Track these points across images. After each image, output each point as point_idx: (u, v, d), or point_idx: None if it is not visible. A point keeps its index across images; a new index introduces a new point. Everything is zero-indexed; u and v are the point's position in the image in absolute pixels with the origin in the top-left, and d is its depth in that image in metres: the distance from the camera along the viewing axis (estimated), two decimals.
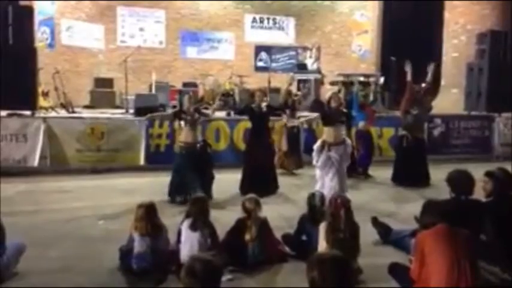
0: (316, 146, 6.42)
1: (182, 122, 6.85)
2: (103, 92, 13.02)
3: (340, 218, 4.26)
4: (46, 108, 10.24)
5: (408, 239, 4.62)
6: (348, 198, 4.62)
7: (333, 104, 6.48)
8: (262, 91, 7.81)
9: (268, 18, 16.48)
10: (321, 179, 6.36)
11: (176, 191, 6.72)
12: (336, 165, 6.28)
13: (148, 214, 4.40)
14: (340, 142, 6.37)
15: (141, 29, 15.27)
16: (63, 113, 10.17)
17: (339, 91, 9.11)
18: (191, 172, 6.56)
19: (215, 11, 15.86)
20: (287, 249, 4.86)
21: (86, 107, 12.29)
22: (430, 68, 8.12)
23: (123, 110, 10.68)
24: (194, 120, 6.83)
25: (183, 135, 6.89)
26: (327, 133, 6.42)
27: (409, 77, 7.97)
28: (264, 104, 7.37)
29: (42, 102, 10.13)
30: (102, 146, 8.78)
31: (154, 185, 7.56)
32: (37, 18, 11.44)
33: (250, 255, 4.48)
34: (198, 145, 6.82)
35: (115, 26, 14.95)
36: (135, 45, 13.11)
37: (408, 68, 7.96)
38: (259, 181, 6.98)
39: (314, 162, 6.43)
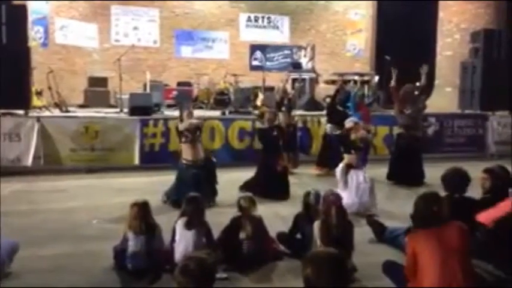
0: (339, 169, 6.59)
1: (183, 139, 6.71)
2: (97, 91, 12.96)
3: (332, 216, 4.26)
4: (40, 108, 10.19)
5: (402, 237, 4.62)
6: (341, 195, 4.62)
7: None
8: (273, 113, 7.75)
9: (263, 17, 16.47)
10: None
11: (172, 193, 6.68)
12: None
13: (142, 213, 4.40)
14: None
15: (135, 28, 15.20)
16: (57, 112, 10.12)
17: (339, 89, 9.12)
18: (191, 188, 6.50)
19: (210, 10, 15.83)
20: (282, 247, 4.87)
21: (80, 106, 12.23)
22: (424, 70, 8.16)
23: (118, 109, 10.64)
24: (194, 139, 6.71)
25: (184, 152, 6.74)
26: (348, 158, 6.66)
27: (392, 83, 8.18)
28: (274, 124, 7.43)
29: (35, 101, 10.08)
30: (96, 145, 8.74)
31: (149, 185, 7.55)
32: (30, 17, 11.37)
33: (245, 254, 4.48)
34: (200, 162, 6.71)
35: (109, 24, 14.89)
36: (129, 44, 13.06)
37: (393, 74, 8.15)
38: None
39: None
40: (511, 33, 12.15)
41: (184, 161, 6.71)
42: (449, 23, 14.89)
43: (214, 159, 7.02)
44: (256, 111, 7.84)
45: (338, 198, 4.47)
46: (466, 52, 12.55)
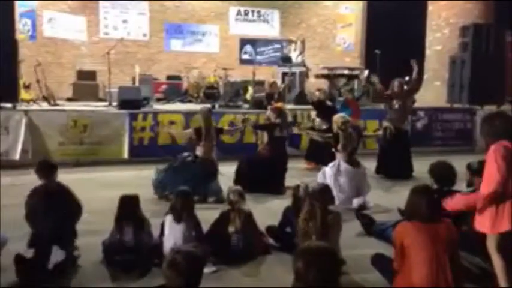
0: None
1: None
2: (86, 84, 12.86)
3: (315, 208, 4.23)
4: (28, 101, 10.09)
5: (391, 231, 4.63)
6: (327, 188, 4.60)
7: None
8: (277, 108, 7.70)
9: (252, 11, 16.42)
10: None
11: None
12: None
13: (131, 206, 4.39)
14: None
15: (125, 21, 15.07)
16: (45, 105, 10.03)
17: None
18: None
19: (199, 4, 15.74)
20: (271, 241, 4.88)
21: (69, 99, 12.14)
22: (414, 66, 8.17)
23: (106, 103, 10.58)
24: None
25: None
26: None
27: (378, 86, 8.38)
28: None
29: (23, 95, 9.99)
30: (84, 139, 8.70)
31: (138, 179, 7.50)
32: (18, 10, 11.24)
33: (234, 247, 4.49)
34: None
35: (98, 17, 14.77)
36: (119, 38, 12.96)
37: (376, 79, 8.36)
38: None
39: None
40: (499, 27, 12.22)
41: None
42: (438, 17, 14.92)
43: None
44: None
45: (324, 192, 4.42)
46: (455, 46, 12.59)
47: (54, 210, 4.22)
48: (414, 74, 8.20)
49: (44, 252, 4.00)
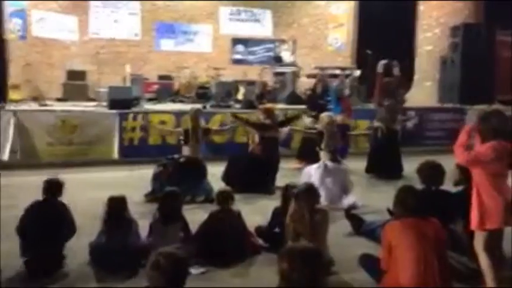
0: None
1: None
2: (76, 84, 12.76)
3: (303, 208, 4.22)
4: (16, 101, 10.02)
5: (380, 230, 4.64)
6: (315, 189, 4.58)
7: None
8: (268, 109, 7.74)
9: (245, 11, 16.39)
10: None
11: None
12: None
13: (119, 208, 4.36)
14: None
15: (116, 21, 14.97)
16: (34, 106, 9.96)
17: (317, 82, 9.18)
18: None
19: (191, 3, 15.67)
20: (260, 241, 4.87)
21: (58, 99, 12.04)
22: (395, 65, 8.26)
23: (96, 103, 10.52)
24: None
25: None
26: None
27: (379, 69, 8.45)
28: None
29: (12, 95, 9.92)
30: (74, 139, 8.64)
31: (128, 179, 7.48)
32: (8, 9, 11.16)
33: (223, 248, 4.46)
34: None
35: (88, 17, 14.67)
36: (109, 37, 12.88)
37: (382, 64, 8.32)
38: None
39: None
40: (489, 27, 12.28)
41: None
42: (429, 17, 14.94)
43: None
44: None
45: (310, 191, 4.40)
46: (446, 46, 12.64)
47: (49, 232, 4.19)
48: (396, 72, 8.27)
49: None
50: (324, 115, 7.11)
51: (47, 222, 4.24)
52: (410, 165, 7.66)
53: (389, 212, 5.08)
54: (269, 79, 12.65)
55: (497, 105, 11.01)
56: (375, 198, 6.55)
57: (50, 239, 4.16)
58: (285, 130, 8.18)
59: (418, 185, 4.55)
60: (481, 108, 11.25)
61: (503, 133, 3.59)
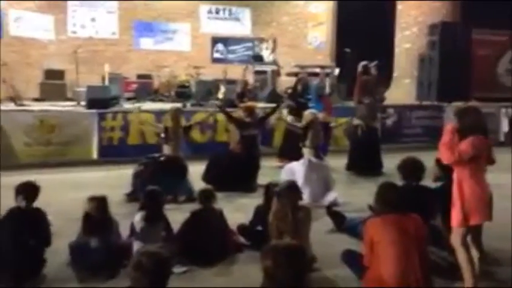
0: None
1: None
2: (53, 84, 12.55)
3: (285, 206, 4.22)
4: None
5: (361, 226, 4.67)
6: (297, 187, 4.59)
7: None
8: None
9: (224, 9, 16.35)
10: None
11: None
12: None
13: (99, 208, 4.31)
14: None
15: (93, 20, 14.80)
16: (11, 106, 9.77)
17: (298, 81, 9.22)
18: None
19: (170, 2, 15.57)
20: (242, 239, 4.86)
21: (36, 99, 11.83)
22: (371, 64, 8.33)
23: (75, 103, 10.38)
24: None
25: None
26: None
27: (360, 68, 8.32)
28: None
29: None
30: (52, 139, 8.51)
31: (107, 179, 7.39)
32: None
33: (205, 247, 4.44)
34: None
35: (65, 16, 14.47)
36: (87, 36, 12.72)
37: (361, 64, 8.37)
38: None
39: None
40: (466, 26, 12.47)
41: None
42: (407, 16, 15.13)
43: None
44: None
45: (293, 189, 4.38)
46: (424, 45, 12.79)
47: (26, 239, 4.01)
48: (372, 71, 8.34)
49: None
50: (308, 112, 7.16)
51: (18, 233, 3.98)
52: (390, 162, 7.74)
53: (371, 208, 5.12)
54: (249, 78, 12.62)
55: (474, 102, 11.21)
56: (356, 195, 6.59)
57: (23, 254, 3.95)
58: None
59: (398, 181, 4.59)
60: (457, 105, 11.47)
61: (479, 129, 3.65)
